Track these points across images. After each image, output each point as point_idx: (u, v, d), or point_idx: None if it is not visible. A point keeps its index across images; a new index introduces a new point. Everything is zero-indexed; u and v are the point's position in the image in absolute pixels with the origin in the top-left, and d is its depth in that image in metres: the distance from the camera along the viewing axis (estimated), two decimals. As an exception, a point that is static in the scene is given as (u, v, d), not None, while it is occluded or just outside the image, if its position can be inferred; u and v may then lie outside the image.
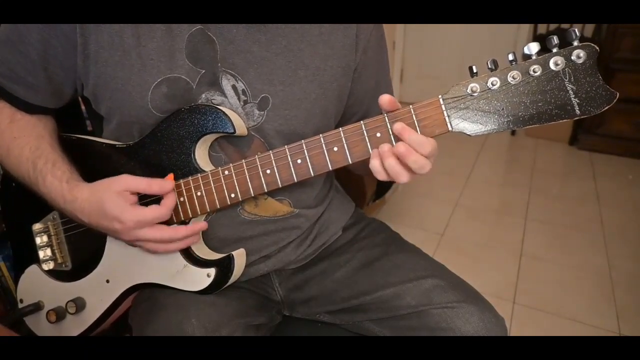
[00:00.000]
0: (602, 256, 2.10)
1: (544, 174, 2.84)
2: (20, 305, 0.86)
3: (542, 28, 3.10)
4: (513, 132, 3.40)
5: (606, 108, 0.57)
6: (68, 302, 0.80)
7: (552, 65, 0.58)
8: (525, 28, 3.30)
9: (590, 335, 1.66)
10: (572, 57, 0.57)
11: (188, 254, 0.75)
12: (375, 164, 0.64)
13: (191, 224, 0.74)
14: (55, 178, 0.71)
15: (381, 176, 0.64)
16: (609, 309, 1.80)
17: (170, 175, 0.72)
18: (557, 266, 2.04)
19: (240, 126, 0.71)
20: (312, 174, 0.68)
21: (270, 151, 0.68)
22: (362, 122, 0.65)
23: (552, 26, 3.01)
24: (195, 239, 0.73)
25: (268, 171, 0.69)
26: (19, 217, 0.86)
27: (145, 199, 0.71)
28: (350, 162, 0.66)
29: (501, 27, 3.31)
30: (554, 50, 0.57)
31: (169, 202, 0.70)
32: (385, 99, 0.62)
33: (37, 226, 0.83)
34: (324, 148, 0.66)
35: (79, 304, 0.80)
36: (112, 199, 0.67)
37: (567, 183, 2.82)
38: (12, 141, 0.75)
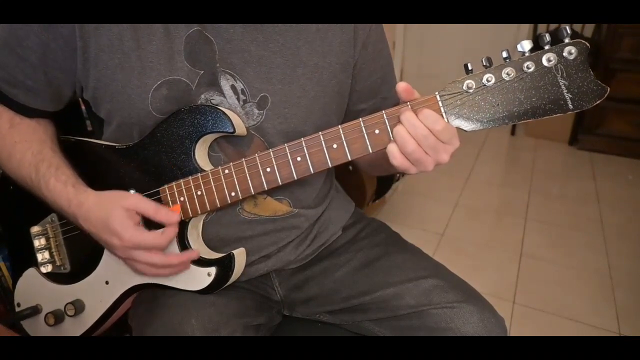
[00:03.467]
0: (602, 256, 2.10)
1: (544, 174, 2.84)
2: (17, 309, 0.85)
3: (542, 28, 3.09)
4: (513, 132, 3.40)
5: (598, 102, 0.59)
6: (67, 304, 0.80)
7: (544, 62, 0.59)
8: (525, 28, 3.30)
9: (590, 335, 1.66)
10: (564, 54, 0.58)
11: (188, 254, 0.74)
12: (393, 148, 0.64)
13: (191, 222, 0.75)
14: (59, 182, 0.71)
15: (397, 160, 0.64)
16: (609, 309, 1.80)
17: (177, 207, 0.72)
18: (557, 266, 2.04)
19: (240, 126, 0.71)
20: (312, 172, 0.68)
21: (270, 149, 0.69)
22: (360, 119, 0.65)
23: (552, 26, 3.00)
24: (186, 266, 0.73)
25: (268, 169, 0.69)
26: (17, 219, 0.86)
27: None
28: (350, 158, 0.66)
29: (501, 27, 3.31)
30: (547, 47, 0.59)
31: (170, 233, 0.70)
32: (401, 87, 0.63)
33: (35, 229, 0.83)
34: (324, 145, 0.67)
35: (78, 306, 0.80)
36: (118, 214, 0.67)
37: (567, 183, 2.81)
38: (14, 146, 0.75)
